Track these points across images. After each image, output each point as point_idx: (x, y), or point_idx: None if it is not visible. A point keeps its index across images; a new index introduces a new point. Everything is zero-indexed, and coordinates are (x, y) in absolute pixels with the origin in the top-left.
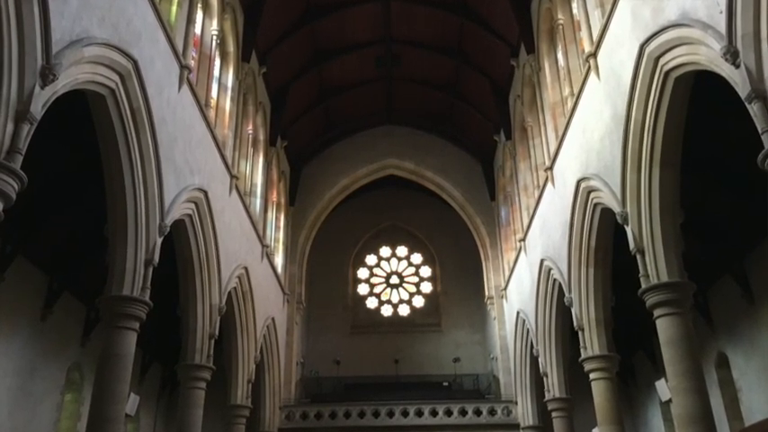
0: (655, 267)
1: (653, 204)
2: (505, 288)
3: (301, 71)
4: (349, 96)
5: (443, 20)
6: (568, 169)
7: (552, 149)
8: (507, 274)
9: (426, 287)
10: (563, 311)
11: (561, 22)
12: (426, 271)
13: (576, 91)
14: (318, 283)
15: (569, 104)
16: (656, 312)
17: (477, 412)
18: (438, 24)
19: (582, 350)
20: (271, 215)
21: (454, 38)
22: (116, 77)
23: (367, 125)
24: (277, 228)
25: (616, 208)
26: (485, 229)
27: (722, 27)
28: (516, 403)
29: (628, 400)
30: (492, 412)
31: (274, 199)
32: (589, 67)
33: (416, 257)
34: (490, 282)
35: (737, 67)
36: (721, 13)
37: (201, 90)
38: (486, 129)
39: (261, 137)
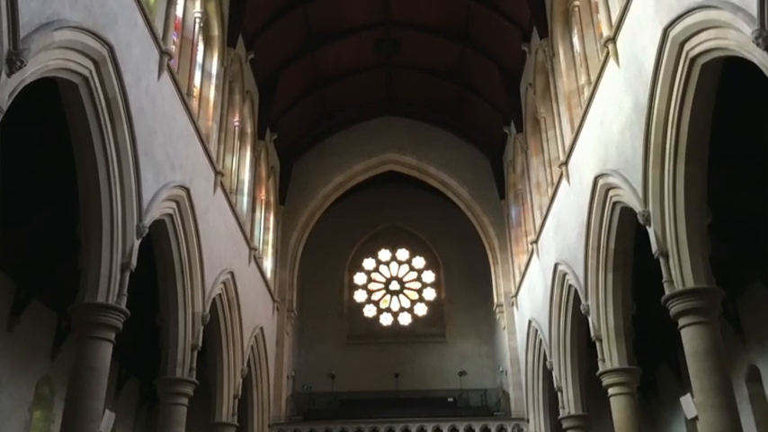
0: (680, 272)
1: (677, 203)
2: (516, 295)
3: (293, 57)
4: (345, 85)
5: (448, 1)
6: (585, 165)
7: (567, 143)
8: (518, 279)
9: (429, 294)
10: (579, 320)
11: (577, 3)
12: (429, 276)
13: (593, 79)
14: (311, 289)
15: (586, 94)
16: (682, 321)
17: (486, 431)
18: (443, 6)
19: (600, 363)
20: (259, 215)
21: (460, 21)
22: (90, 64)
23: (365, 116)
24: (266, 229)
25: (637, 207)
26: (493, 231)
27: (754, 9)
28: (528, 421)
29: (650, 417)
30: (501, 430)
31: (263, 197)
32: (608, 53)
33: (418, 261)
34: (499, 288)
35: None
36: None
37: (183, 78)
38: (496, 120)
39: (248, 129)
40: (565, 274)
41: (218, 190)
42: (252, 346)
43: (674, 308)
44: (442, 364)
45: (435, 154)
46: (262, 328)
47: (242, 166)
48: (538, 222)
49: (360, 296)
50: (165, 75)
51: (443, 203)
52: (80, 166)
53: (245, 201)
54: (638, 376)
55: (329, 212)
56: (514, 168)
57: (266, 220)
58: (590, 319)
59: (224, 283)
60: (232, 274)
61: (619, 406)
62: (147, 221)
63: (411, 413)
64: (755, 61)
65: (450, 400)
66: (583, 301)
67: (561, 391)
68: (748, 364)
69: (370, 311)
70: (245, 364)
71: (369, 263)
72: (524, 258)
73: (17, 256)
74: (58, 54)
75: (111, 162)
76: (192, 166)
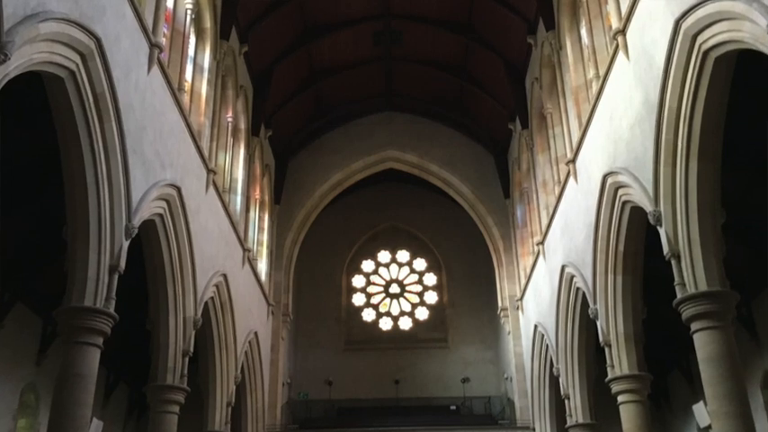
0: (692, 274)
1: (690, 202)
2: (521, 298)
3: (288, 50)
4: (343, 79)
5: None
6: (593, 162)
7: (575, 140)
8: (523, 282)
9: (431, 297)
10: (587, 325)
11: None
12: (431, 279)
13: (602, 73)
14: (308, 292)
15: (594, 88)
16: (694, 326)
17: None
18: None
19: (609, 369)
20: (253, 215)
21: (463, 12)
22: (76, 57)
23: (363, 112)
24: (260, 229)
25: (648, 206)
26: (498, 231)
27: None
28: (534, 429)
29: (661, 425)
30: None
31: (257, 196)
32: (617, 46)
33: (419, 263)
34: (504, 291)
35: None
36: None
37: (174, 72)
38: (500, 116)
39: (242, 125)
40: (572, 277)
41: (211, 189)
42: (246, 352)
43: (687, 312)
44: (444, 371)
45: (437, 151)
46: (256, 333)
47: (235, 163)
48: (544, 222)
49: (358, 299)
50: (156, 69)
51: (445, 203)
52: (66, 164)
53: (238, 200)
54: (649, 383)
55: (326, 212)
56: (520, 166)
57: (261, 220)
58: (598, 324)
59: (216, 285)
60: (225, 276)
61: (629, 414)
62: (137, 222)
63: (412, 422)
64: None
65: (453, 407)
66: (591, 304)
67: (568, 399)
68: (763, 371)
69: (368, 315)
70: (239, 371)
71: (368, 265)
72: (530, 260)
73: (1, 259)
74: (43, 47)
75: (98, 160)
76: (184, 164)
